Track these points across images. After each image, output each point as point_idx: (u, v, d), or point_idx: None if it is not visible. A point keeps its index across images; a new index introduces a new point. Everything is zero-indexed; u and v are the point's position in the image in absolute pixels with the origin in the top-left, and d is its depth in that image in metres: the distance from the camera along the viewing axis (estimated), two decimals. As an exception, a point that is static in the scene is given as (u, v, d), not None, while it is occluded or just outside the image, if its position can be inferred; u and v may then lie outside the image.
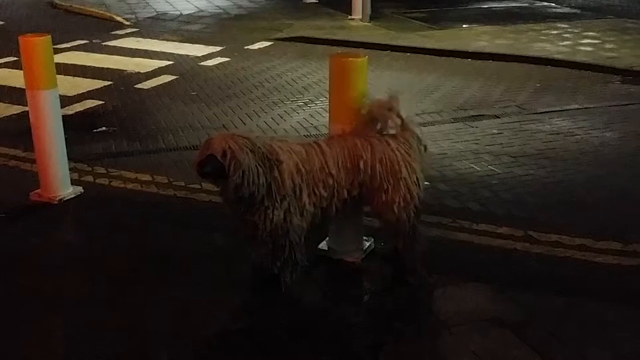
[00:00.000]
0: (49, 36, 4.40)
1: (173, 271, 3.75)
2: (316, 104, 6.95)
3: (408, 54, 9.34)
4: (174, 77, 7.97)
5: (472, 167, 5.27)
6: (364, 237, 3.90)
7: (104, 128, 6.20)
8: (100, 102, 6.97)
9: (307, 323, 3.32)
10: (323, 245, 3.91)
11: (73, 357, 3.04)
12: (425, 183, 3.71)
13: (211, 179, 3.22)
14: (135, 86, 7.62)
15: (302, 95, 7.27)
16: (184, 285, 3.61)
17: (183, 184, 4.86)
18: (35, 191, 4.62)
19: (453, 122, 6.42)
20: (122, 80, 7.83)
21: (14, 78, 7.32)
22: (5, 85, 7.40)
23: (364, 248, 3.87)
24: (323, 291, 3.71)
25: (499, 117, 6.56)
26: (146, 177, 5.01)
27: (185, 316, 3.34)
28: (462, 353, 3.06)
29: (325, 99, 6.95)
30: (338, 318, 3.36)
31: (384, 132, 3.50)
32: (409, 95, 6.82)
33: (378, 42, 9.73)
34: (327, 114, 3.80)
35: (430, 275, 3.61)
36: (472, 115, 6.61)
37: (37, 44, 4.33)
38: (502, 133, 6.10)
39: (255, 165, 3.13)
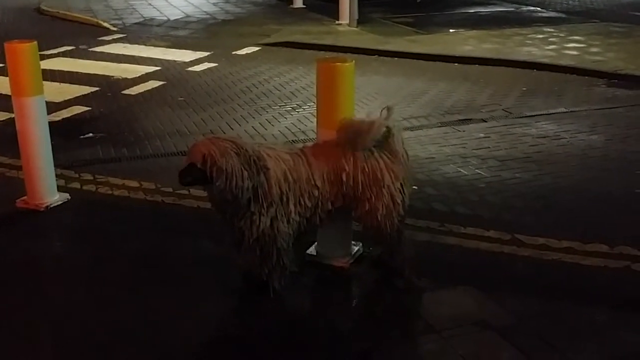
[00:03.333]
0: (35, 42, 4.38)
1: (162, 278, 3.73)
2: (304, 109, 6.95)
3: (395, 58, 9.38)
4: (161, 83, 7.95)
5: (460, 171, 5.29)
6: (353, 242, 3.91)
7: (91, 134, 6.17)
8: (87, 108, 6.93)
9: (296, 329, 3.32)
10: (312, 250, 3.91)
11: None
12: (413, 187, 3.72)
13: (195, 186, 3.22)
14: (123, 92, 7.59)
15: (290, 101, 7.27)
16: (174, 292, 3.59)
17: (171, 190, 4.84)
18: (22, 198, 4.59)
19: (440, 126, 6.45)
20: (109, 86, 7.80)
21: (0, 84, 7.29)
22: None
23: (353, 253, 3.87)
24: (312, 296, 3.72)
25: (486, 121, 6.60)
26: (134, 184, 4.99)
27: (175, 323, 3.32)
28: (450, 357, 3.06)
29: (313, 103, 6.95)
30: (327, 323, 3.36)
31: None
32: (396, 100, 6.83)
33: (365, 46, 9.76)
34: (315, 119, 3.80)
35: (418, 279, 3.61)
36: (459, 120, 6.64)
37: (23, 50, 4.30)
38: (489, 137, 6.13)
39: (240, 168, 3.11)
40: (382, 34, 10.66)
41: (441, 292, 3.57)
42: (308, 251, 3.90)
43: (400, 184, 3.45)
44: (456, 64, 8.99)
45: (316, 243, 3.91)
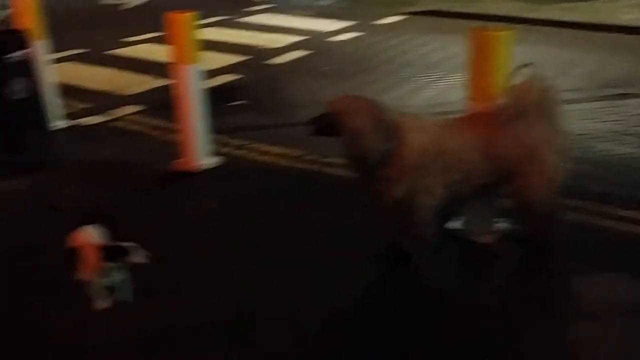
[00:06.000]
0: (194, 13, 4.59)
1: (306, 243, 3.82)
2: (448, 80, 6.79)
3: (547, 27, 8.89)
4: (306, 53, 8.10)
5: (616, 149, 4.95)
6: (499, 218, 3.79)
7: (240, 102, 6.41)
8: (237, 77, 7.21)
9: (437, 302, 3.29)
10: (456, 224, 3.84)
11: (205, 321, 3.19)
12: (565, 165, 3.54)
13: (321, 135, 3.25)
14: (270, 61, 7.82)
15: (433, 71, 7.13)
16: (317, 257, 3.67)
17: (315, 158, 4.95)
18: (178, 160, 4.88)
19: (595, 101, 6.06)
20: (258, 56, 8.06)
21: (158, 52, 7.74)
22: (150, 60, 7.83)
23: (499, 230, 3.76)
24: (454, 271, 3.65)
25: (647, 96, 6.12)
26: (281, 150, 5.15)
27: (316, 288, 3.40)
28: (601, 342, 2.91)
29: (457, 75, 6.78)
30: (469, 299, 3.30)
31: (526, 109, 3.35)
32: (547, 72, 6.49)
33: (514, 15, 9.34)
34: (459, 91, 3.71)
35: (568, 260, 3.45)
36: (617, 94, 6.20)
37: (183, 20, 4.53)
38: (650, 113, 5.69)
39: (371, 130, 3.11)
40: (533, 2, 10.13)
41: (593, 275, 3.39)
42: (452, 225, 3.83)
43: (557, 159, 3.29)
44: (614, 34, 8.36)
45: (461, 217, 3.83)
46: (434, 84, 6.70)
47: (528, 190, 3.30)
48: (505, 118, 3.30)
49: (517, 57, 3.57)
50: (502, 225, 3.79)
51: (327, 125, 3.18)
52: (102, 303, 3.18)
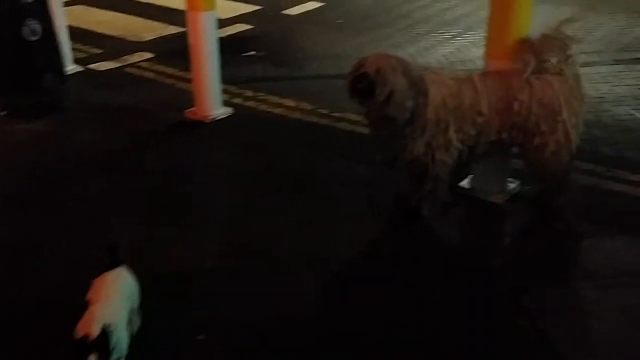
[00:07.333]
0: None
1: (314, 194, 3.83)
2: (464, 37, 6.68)
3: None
4: (321, 4, 7.96)
5: (633, 114, 4.89)
6: (510, 179, 3.78)
7: (253, 52, 6.34)
8: (250, 27, 7.12)
9: (444, 257, 3.31)
10: (465, 183, 3.83)
11: (212, 267, 3.23)
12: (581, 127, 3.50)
13: (362, 96, 3.20)
14: (283, 12, 7.69)
15: (450, 28, 7.01)
16: (325, 208, 3.68)
17: (326, 112, 4.92)
18: (190, 109, 4.86)
19: (614, 64, 5.94)
20: (271, 5, 7.92)
21: (173, -1, 7.64)
22: (163, 6, 7.72)
23: (509, 189, 3.75)
24: (462, 229, 3.67)
25: (668, 61, 6.01)
26: (291, 103, 5.11)
27: (325, 239, 3.41)
28: (607, 306, 2.93)
29: (474, 32, 6.67)
30: (477, 257, 3.32)
31: (548, 67, 3.30)
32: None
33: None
34: (476, 49, 3.66)
35: (578, 223, 3.45)
36: (637, 58, 6.08)
37: (198, -34, 4.45)
38: (669, 78, 5.59)
39: (405, 88, 3.12)
40: (555, -39, 9.87)
41: (603, 239, 3.39)
42: (461, 184, 3.83)
43: (576, 120, 3.27)
44: (636, -3, 8.16)
45: (471, 176, 3.82)
46: (450, 41, 6.60)
47: (544, 150, 3.28)
48: (525, 75, 3.25)
49: (538, 17, 3.51)
50: (512, 185, 3.78)
51: (367, 84, 3.10)
52: None
